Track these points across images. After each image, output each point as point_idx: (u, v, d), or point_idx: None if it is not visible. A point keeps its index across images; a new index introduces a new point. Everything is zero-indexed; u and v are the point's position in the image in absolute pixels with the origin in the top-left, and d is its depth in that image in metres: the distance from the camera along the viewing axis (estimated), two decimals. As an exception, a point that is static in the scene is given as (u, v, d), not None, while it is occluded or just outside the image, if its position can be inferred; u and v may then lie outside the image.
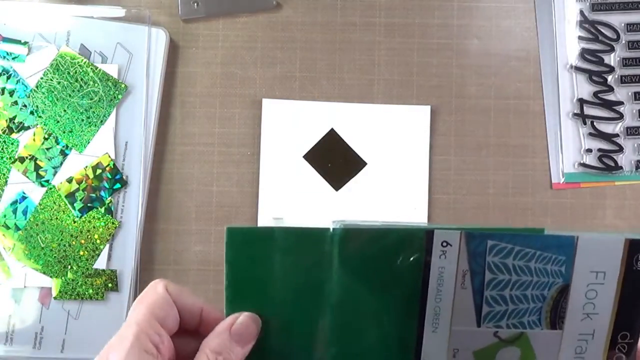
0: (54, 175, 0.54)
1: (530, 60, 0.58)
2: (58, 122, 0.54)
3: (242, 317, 0.37)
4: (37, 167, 0.54)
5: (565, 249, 0.33)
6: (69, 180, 0.54)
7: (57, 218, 0.54)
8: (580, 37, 0.58)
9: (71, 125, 0.55)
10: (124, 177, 0.55)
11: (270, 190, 0.56)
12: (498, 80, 0.58)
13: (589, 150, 0.57)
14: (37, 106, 0.54)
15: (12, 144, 0.54)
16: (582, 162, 0.57)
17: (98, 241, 0.54)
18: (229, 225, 0.35)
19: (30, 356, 0.54)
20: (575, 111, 0.57)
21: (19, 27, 0.55)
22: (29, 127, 0.54)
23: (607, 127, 0.58)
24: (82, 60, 0.55)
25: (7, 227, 0.54)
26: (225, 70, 0.57)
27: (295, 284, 0.34)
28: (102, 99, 0.55)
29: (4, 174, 0.54)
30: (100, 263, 0.54)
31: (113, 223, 0.54)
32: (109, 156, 0.55)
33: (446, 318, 0.34)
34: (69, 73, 0.55)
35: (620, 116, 0.57)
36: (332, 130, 0.57)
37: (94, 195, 0.54)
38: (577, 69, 0.58)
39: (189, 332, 0.38)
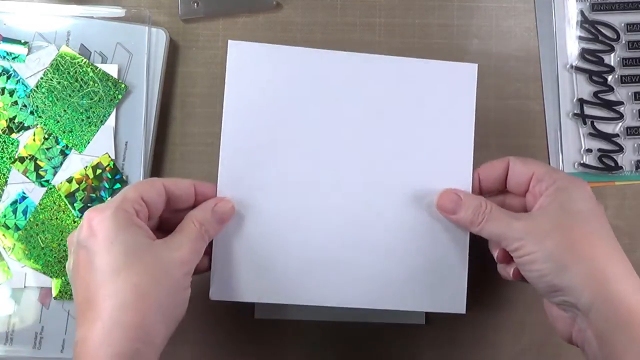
0: (54, 175, 0.54)
1: (530, 60, 0.58)
2: (58, 122, 0.54)
3: (224, 201, 0.47)
4: (37, 167, 0.54)
5: None
6: (69, 180, 0.54)
7: (57, 218, 0.54)
8: (580, 37, 0.58)
9: (71, 125, 0.55)
10: (124, 177, 0.55)
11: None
12: (498, 80, 0.58)
13: (589, 150, 0.57)
14: (37, 106, 0.54)
15: (12, 144, 0.54)
16: (582, 162, 0.57)
17: (98, 241, 0.54)
18: None
19: (30, 356, 0.54)
20: (575, 111, 0.57)
21: (19, 27, 0.55)
22: (29, 127, 0.54)
23: (607, 127, 0.58)
24: (82, 60, 0.55)
25: (7, 227, 0.54)
26: (225, 70, 0.57)
27: None
28: (102, 99, 0.55)
29: (4, 174, 0.54)
30: (100, 263, 0.54)
31: (113, 223, 0.54)
32: (109, 156, 0.55)
33: None
34: (69, 73, 0.55)
35: (620, 116, 0.57)
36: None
37: (94, 195, 0.54)
38: (577, 69, 0.58)
39: (185, 210, 0.47)
